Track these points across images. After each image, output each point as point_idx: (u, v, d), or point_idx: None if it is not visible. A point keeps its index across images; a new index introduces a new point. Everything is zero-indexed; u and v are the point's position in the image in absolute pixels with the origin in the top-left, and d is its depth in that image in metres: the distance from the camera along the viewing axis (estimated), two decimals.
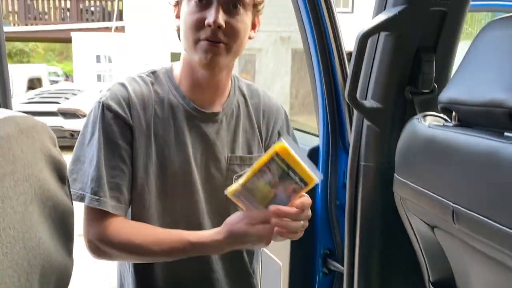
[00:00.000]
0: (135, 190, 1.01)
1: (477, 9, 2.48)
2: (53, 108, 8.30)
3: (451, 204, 0.79)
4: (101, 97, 1.00)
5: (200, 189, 1.04)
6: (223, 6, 0.92)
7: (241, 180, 0.85)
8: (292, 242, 1.53)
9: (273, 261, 1.63)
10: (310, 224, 0.92)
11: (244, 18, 0.96)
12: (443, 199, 0.81)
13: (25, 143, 0.59)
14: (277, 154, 0.81)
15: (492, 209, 0.71)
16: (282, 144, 0.80)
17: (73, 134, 8.33)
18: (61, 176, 0.67)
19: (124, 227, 0.98)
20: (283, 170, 0.81)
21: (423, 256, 1.03)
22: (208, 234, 0.95)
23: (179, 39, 1.02)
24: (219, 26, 0.91)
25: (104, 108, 0.99)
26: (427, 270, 1.03)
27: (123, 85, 1.02)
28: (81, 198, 0.96)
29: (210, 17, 0.91)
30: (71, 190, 0.86)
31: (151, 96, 1.02)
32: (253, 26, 1.02)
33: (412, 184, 0.94)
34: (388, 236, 1.17)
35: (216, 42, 0.93)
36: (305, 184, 0.84)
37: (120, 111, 0.98)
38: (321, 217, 1.50)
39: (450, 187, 0.81)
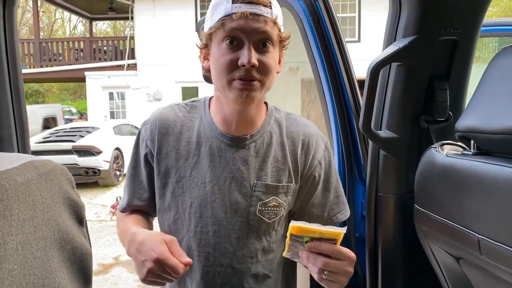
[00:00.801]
0: (161, 209, 1.12)
1: (485, 35, 2.49)
2: (68, 146, 8.41)
3: (477, 235, 0.76)
4: (143, 121, 1.16)
5: (221, 212, 1.05)
6: (254, 46, 0.96)
7: (284, 251, 0.93)
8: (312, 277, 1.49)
9: None
10: None
11: (273, 54, 1.00)
12: (468, 231, 0.79)
13: (44, 187, 0.59)
14: (291, 235, 0.88)
15: None
16: (293, 225, 0.88)
17: (87, 171, 8.40)
18: (79, 218, 0.67)
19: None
20: (307, 241, 0.88)
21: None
22: (135, 230, 0.99)
23: (205, 79, 1.08)
24: (253, 65, 0.95)
25: (139, 132, 1.15)
26: None
27: (158, 111, 1.14)
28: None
29: (243, 58, 0.94)
30: None
31: (181, 122, 1.11)
32: (279, 61, 1.05)
33: (434, 215, 0.92)
34: (411, 268, 1.14)
35: (250, 80, 0.97)
36: (333, 241, 0.87)
37: (147, 136, 1.11)
38: None
39: (474, 218, 0.79)
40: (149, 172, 1.13)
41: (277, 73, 1.04)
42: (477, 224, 0.78)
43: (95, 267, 4.56)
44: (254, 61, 0.94)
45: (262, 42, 0.97)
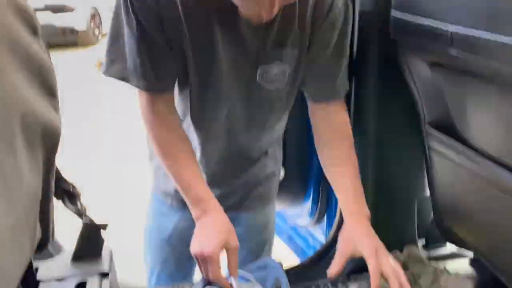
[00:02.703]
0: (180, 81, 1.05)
1: None
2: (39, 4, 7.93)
3: (449, 25, 0.75)
4: None
5: (232, 82, 1.01)
6: None
7: None
8: None
9: None
10: None
11: None
12: (442, 23, 0.78)
13: None
14: None
15: (491, 21, 0.67)
16: None
17: (64, 32, 8.08)
18: (32, 27, 0.62)
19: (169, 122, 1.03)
20: None
21: (420, 99, 1.03)
22: (204, 203, 0.99)
23: None
24: None
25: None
26: (423, 112, 1.03)
27: None
28: (124, 78, 0.97)
29: None
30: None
31: None
32: None
33: (412, 18, 0.90)
34: (385, 80, 1.14)
35: None
36: None
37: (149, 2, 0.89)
38: None
39: (449, 9, 0.78)
40: (164, 45, 0.95)
41: None
42: (451, 14, 0.77)
43: None
44: None
45: None
